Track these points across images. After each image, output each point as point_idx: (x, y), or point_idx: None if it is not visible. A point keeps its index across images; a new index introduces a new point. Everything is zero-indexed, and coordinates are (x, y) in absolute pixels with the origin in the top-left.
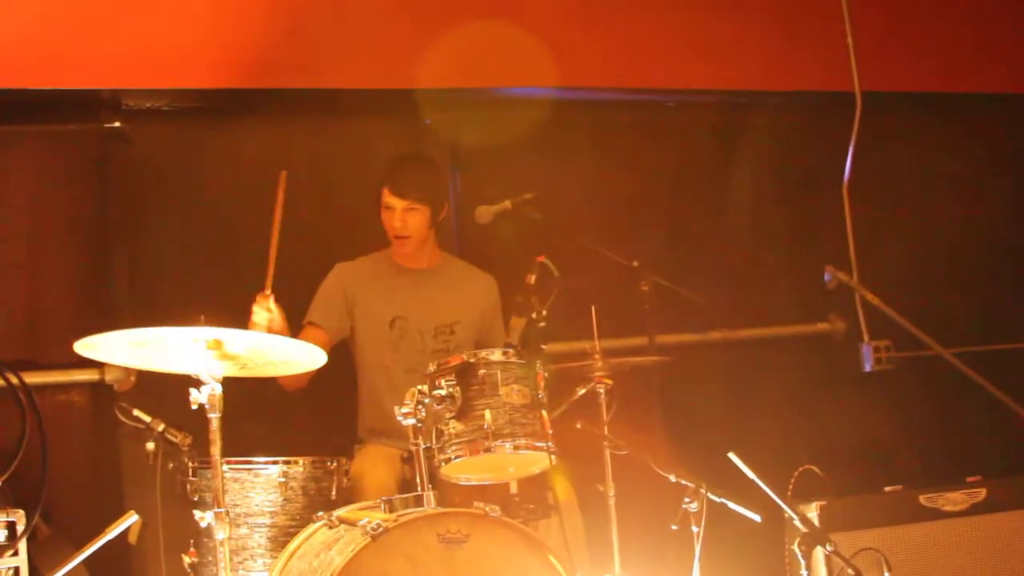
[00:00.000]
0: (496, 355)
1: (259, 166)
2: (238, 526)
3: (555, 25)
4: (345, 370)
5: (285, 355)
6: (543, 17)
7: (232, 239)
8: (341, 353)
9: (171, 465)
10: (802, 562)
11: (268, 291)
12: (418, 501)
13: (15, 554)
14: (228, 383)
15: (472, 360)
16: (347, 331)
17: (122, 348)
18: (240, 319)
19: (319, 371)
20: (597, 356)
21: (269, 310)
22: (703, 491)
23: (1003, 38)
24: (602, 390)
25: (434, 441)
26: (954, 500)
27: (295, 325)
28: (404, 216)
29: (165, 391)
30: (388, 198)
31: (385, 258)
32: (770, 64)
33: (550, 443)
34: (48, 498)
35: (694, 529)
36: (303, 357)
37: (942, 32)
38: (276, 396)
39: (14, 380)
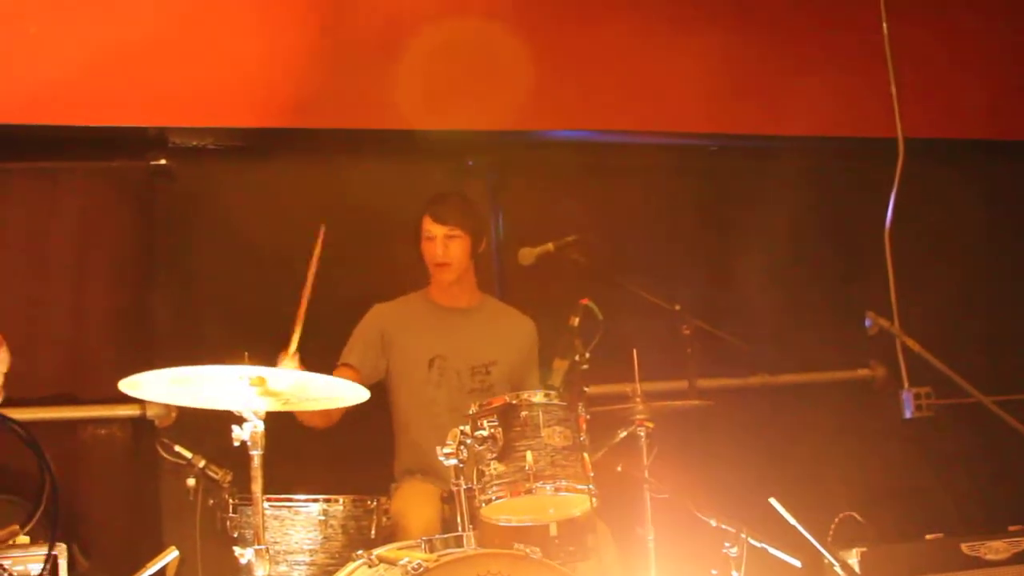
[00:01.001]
0: (538, 397)
1: (301, 205)
2: (278, 563)
3: (597, 68)
4: (381, 409)
5: (328, 391)
6: (585, 59)
7: (274, 276)
8: (377, 392)
9: (211, 501)
10: None
11: (293, 350)
12: (458, 541)
13: None
14: (268, 421)
15: (514, 401)
16: (382, 373)
17: (164, 385)
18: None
19: (356, 410)
20: (639, 399)
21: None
22: (744, 536)
23: None
24: (643, 433)
25: (475, 481)
26: (996, 549)
27: (329, 366)
28: (445, 243)
29: (206, 427)
30: (429, 226)
31: (422, 298)
32: (813, 109)
33: (591, 485)
34: (88, 532)
35: (734, 574)
36: (346, 393)
37: (986, 79)
38: (314, 434)
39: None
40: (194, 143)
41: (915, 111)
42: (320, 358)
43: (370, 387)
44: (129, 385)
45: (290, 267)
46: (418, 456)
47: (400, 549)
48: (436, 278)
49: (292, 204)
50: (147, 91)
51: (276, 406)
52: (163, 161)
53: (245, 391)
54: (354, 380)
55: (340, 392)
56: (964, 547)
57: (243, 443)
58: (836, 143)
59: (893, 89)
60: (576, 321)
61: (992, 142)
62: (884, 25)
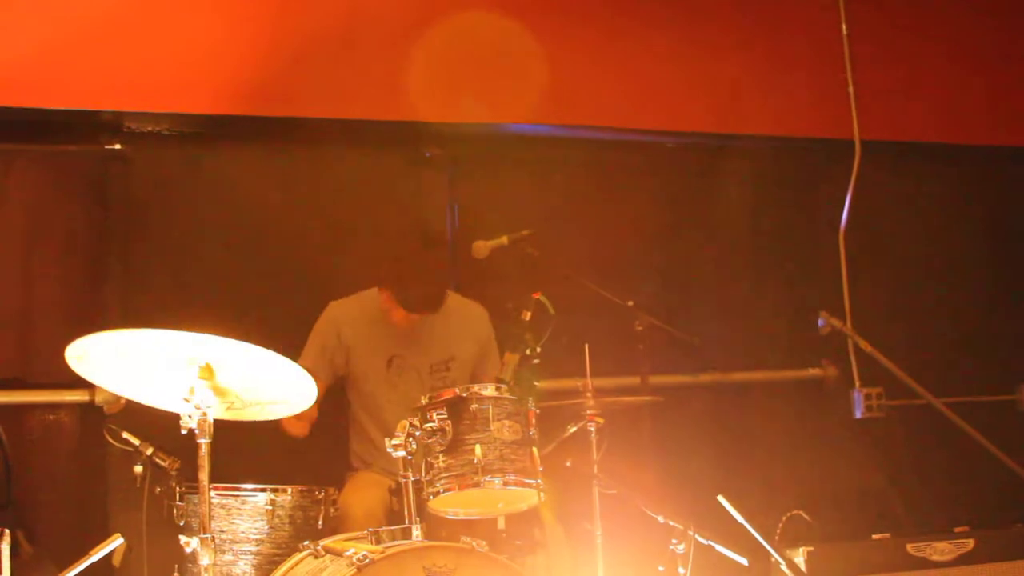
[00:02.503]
0: (488, 390)
1: (256, 193)
2: (223, 552)
3: (557, 64)
4: (336, 399)
5: (275, 394)
6: (546, 56)
7: (228, 265)
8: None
9: (158, 489)
10: None
11: None
12: (405, 534)
13: None
14: None
15: (464, 394)
16: (342, 371)
17: (114, 365)
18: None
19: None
20: (589, 394)
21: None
22: (691, 533)
23: (1003, 90)
24: (593, 428)
25: (423, 474)
26: (941, 550)
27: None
28: (409, 318)
29: (155, 414)
30: (397, 308)
31: (378, 296)
32: (770, 109)
33: (539, 480)
34: (33, 518)
35: (681, 571)
36: (293, 395)
37: (942, 83)
38: (265, 423)
39: None
40: (149, 128)
41: (871, 113)
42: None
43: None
44: (77, 355)
45: (245, 254)
46: (373, 454)
47: (347, 540)
48: (395, 323)
49: (247, 192)
50: (102, 75)
51: (221, 411)
52: (118, 146)
53: (193, 382)
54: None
55: (288, 394)
56: (910, 547)
57: (191, 431)
58: (793, 143)
59: (851, 91)
60: (528, 315)
61: (947, 145)
62: (843, 27)
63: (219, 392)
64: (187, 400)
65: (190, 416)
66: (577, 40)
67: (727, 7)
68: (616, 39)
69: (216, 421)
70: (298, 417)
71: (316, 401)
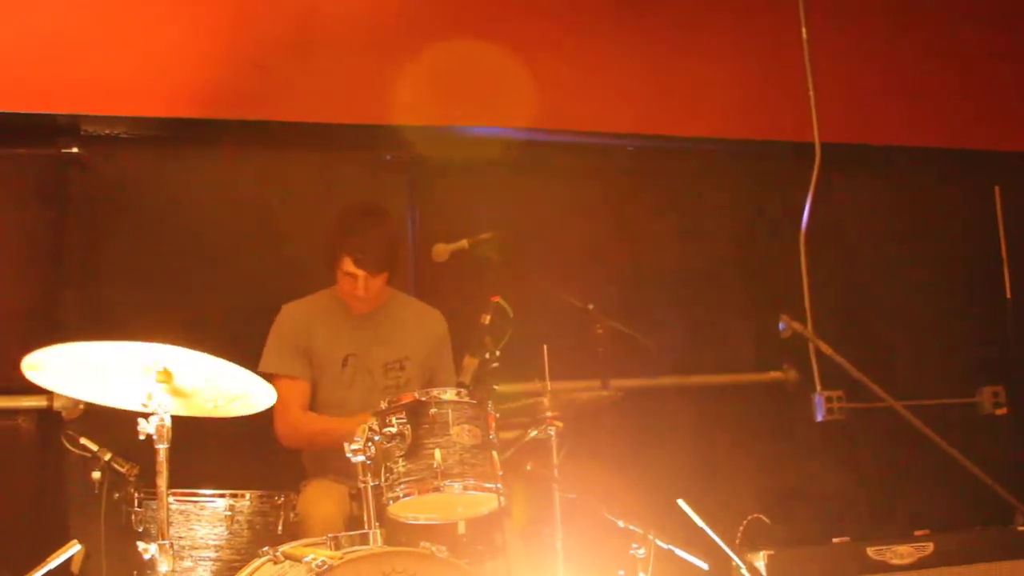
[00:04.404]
0: (448, 394)
1: (215, 197)
2: (182, 559)
3: (518, 67)
4: None
5: (234, 393)
6: (506, 58)
7: (186, 268)
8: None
9: (117, 495)
10: None
11: None
12: (364, 539)
13: None
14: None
15: (424, 399)
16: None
17: (71, 374)
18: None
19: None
20: (548, 397)
21: None
22: (651, 537)
23: (963, 93)
24: (553, 432)
25: (383, 479)
26: (901, 553)
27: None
28: (367, 283)
29: (113, 420)
30: (350, 267)
31: (330, 296)
32: (731, 111)
33: (499, 484)
34: None
35: (641, 575)
36: (254, 391)
37: (902, 85)
38: (225, 428)
39: None
40: (106, 132)
41: (832, 116)
42: (227, 353)
43: None
44: (32, 365)
45: (203, 258)
46: (329, 456)
47: (306, 546)
48: (352, 304)
49: (206, 196)
50: (59, 78)
51: (181, 409)
52: (75, 149)
53: (151, 387)
54: (305, 391)
55: (246, 390)
56: (870, 551)
57: (149, 437)
58: (754, 146)
59: (811, 94)
60: (487, 319)
61: (906, 148)
62: (803, 31)
63: (178, 393)
64: (145, 405)
65: (148, 420)
66: (537, 43)
67: (688, 11)
68: (577, 42)
69: (175, 425)
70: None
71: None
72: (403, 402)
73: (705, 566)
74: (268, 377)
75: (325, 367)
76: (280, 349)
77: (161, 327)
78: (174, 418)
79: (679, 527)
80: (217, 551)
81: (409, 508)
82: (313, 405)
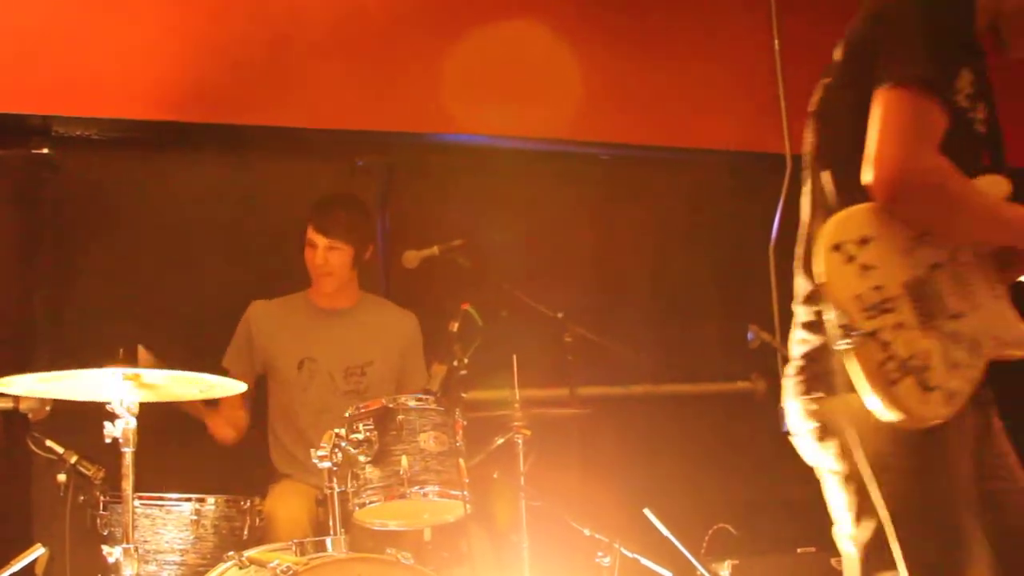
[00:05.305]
0: (415, 401)
1: (187, 200)
2: (147, 563)
3: (488, 74)
4: (261, 408)
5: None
6: (476, 65)
7: (158, 272)
8: (257, 392)
9: (82, 498)
10: None
11: None
12: (330, 545)
13: None
14: (144, 417)
15: (391, 405)
16: (259, 370)
17: (37, 385)
18: (164, 354)
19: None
20: (517, 406)
21: None
22: (617, 546)
23: None
24: (520, 440)
25: (349, 485)
26: None
27: (210, 365)
28: (327, 254)
29: (80, 422)
30: (312, 235)
31: (301, 299)
32: (704, 122)
33: (466, 491)
34: None
35: None
36: (221, 385)
37: None
38: (192, 430)
39: None
40: (78, 133)
41: (803, 128)
42: (202, 358)
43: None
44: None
45: (174, 261)
46: (286, 458)
47: (271, 551)
48: (317, 284)
49: (178, 199)
50: (30, 78)
51: (151, 397)
52: (46, 150)
53: (118, 384)
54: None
55: (216, 383)
56: (834, 561)
57: (115, 440)
58: (725, 156)
59: (783, 105)
60: (455, 326)
61: None
62: (775, 43)
63: (146, 387)
64: (113, 411)
65: (114, 424)
66: (511, 50)
67: (662, 21)
68: (552, 50)
69: (142, 428)
70: (226, 420)
71: (244, 407)
72: (371, 408)
73: (670, 575)
74: (225, 372)
75: (281, 368)
76: (231, 345)
77: (134, 330)
78: (141, 421)
79: (645, 536)
80: (182, 555)
81: (375, 514)
82: (271, 404)
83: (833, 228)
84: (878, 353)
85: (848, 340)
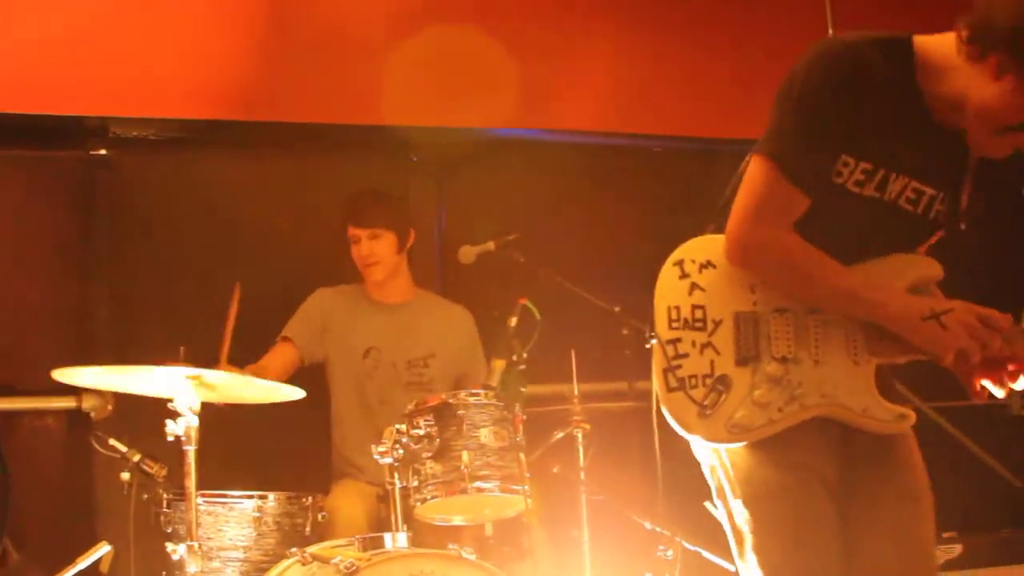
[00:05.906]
0: (475, 397)
1: (243, 199)
2: (210, 560)
3: (544, 67)
4: (322, 407)
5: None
6: (532, 61)
7: (214, 270)
8: (316, 391)
9: (145, 496)
10: None
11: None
12: (392, 540)
13: None
14: (207, 415)
15: (451, 401)
16: (319, 356)
17: (99, 378)
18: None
19: (298, 406)
20: (576, 400)
21: None
22: (678, 539)
23: None
24: (580, 434)
25: (410, 480)
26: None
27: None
28: (371, 245)
29: (142, 420)
30: (352, 231)
31: (362, 291)
32: (761, 114)
33: (527, 486)
34: (20, 524)
35: None
36: (281, 391)
37: None
38: (255, 429)
39: None
40: (135, 134)
41: None
42: (257, 354)
43: (317, 381)
44: (63, 375)
45: (232, 259)
46: (353, 448)
47: (334, 547)
48: (368, 279)
49: (234, 197)
50: (88, 80)
51: (211, 397)
52: (103, 151)
53: (181, 384)
54: (291, 353)
55: (275, 389)
56: None
57: (177, 438)
58: None
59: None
60: (514, 321)
61: None
62: (829, 30)
63: (207, 386)
64: (175, 409)
65: (176, 422)
66: (563, 45)
67: (718, 10)
68: (603, 43)
69: (203, 427)
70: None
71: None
72: (431, 404)
73: (733, 568)
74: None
75: (346, 357)
76: (296, 316)
77: (188, 328)
78: (202, 419)
79: (706, 529)
80: (245, 552)
81: (437, 510)
82: (335, 394)
83: (685, 246)
84: (664, 361)
85: (652, 340)
